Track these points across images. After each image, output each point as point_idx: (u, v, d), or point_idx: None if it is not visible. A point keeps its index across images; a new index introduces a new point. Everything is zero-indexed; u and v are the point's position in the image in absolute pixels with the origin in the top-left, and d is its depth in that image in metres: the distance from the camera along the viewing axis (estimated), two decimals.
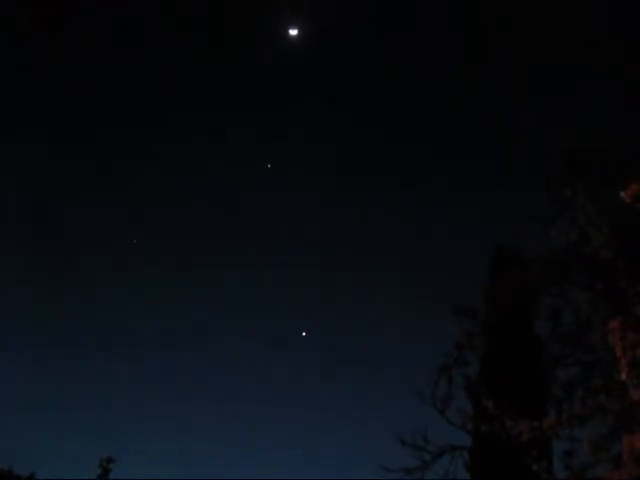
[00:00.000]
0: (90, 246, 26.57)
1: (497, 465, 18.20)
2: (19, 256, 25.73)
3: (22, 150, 24.68)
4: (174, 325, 26.54)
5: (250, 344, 26.20)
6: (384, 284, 26.02)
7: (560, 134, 21.22)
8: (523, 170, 22.69)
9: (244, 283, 27.23)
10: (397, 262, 26.16)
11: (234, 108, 25.31)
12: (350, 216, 26.36)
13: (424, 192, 25.89)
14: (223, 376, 26.35)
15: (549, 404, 17.40)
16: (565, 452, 16.74)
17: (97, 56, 23.03)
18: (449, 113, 25.15)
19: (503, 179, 24.19)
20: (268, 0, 21.60)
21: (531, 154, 22.49)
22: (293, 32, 21.30)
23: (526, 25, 22.56)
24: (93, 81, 24.32)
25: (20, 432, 23.51)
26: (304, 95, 25.24)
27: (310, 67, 23.90)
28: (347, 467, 22.30)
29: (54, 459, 22.15)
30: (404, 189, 26.21)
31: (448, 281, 23.82)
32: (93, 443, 23.10)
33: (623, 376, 14.52)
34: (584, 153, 17.10)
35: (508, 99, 24.40)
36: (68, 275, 27.27)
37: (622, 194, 15.15)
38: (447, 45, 24.27)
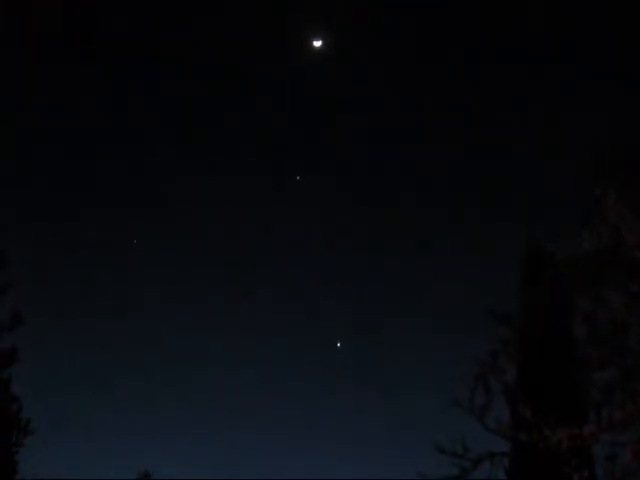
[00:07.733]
0: None
1: (538, 471, 17.95)
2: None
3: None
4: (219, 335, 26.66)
5: (283, 354, 26.26)
6: (415, 291, 25.88)
7: (591, 131, 20.89)
8: (552, 170, 22.39)
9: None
10: (430, 269, 25.97)
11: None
12: (377, 226, 26.29)
13: (456, 199, 25.76)
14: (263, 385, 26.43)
15: (588, 408, 17.10)
16: (606, 457, 16.43)
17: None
18: (479, 115, 24.93)
19: (531, 179, 23.94)
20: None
21: (561, 153, 22.20)
22: (317, 43, 20.78)
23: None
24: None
25: (60, 447, 23.80)
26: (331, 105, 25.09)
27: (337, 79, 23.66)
28: (385, 476, 22.15)
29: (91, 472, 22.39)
30: (433, 205, 26.08)
31: (480, 285, 23.58)
32: (129, 455, 23.32)
33: None
34: (614, 151, 16.76)
35: (538, 99, 24.12)
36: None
37: None
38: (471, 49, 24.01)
